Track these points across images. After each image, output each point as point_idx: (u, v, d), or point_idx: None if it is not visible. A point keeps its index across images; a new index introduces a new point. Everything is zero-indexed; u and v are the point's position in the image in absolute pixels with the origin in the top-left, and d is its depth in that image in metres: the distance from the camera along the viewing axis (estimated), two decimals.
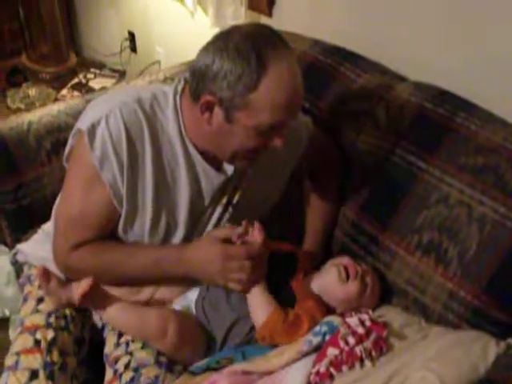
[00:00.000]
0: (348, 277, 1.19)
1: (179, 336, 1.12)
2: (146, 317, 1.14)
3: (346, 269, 1.20)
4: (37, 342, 1.12)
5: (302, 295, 1.17)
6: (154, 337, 1.13)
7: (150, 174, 1.12)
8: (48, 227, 1.35)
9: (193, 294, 1.21)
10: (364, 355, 1.01)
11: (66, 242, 1.16)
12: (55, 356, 1.10)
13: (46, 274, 1.15)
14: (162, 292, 1.22)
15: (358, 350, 1.01)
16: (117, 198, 1.11)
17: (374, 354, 1.01)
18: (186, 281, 1.20)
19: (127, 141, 1.08)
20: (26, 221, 1.49)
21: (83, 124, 1.09)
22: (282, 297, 1.15)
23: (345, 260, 1.22)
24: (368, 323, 1.05)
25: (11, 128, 1.49)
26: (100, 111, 1.09)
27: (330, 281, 1.20)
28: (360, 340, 1.02)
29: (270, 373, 1.05)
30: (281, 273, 1.20)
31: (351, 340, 1.02)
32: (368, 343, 1.02)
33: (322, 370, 1.00)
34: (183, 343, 1.13)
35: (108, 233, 1.17)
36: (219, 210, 1.21)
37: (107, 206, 1.12)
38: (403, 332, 1.09)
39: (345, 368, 1.00)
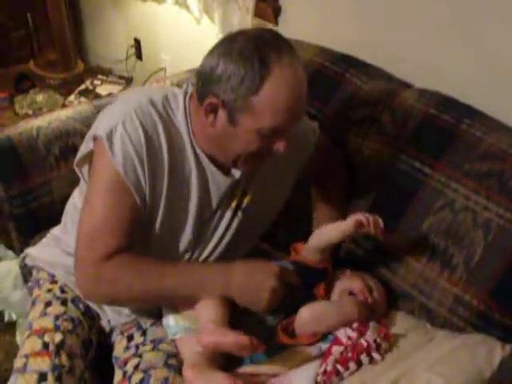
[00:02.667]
0: None
1: None
2: None
3: None
4: (45, 345, 1.11)
5: None
6: None
7: (165, 173, 1.11)
8: (57, 231, 1.36)
9: None
10: (371, 341, 1.02)
11: (94, 253, 1.08)
12: (63, 359, 1.10)
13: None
14: None
15: (362, 341, 1.02)
16: (140, 197, 1.09)
17: (379, 340, 1.03)
18: None
19: (146, 140, 1.08)
20: (33, 225, 1.51)
21: (101, 131, 1.08)
22: (301, 300, 1.13)
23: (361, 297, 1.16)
24: None
25: (20, 133, 1.49)
26: (115, 117, 1.09)
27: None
28: (362, 332, 1.03)
29: (277, 375, 1.05)
30: (305, 277, 1.16)
31: (353, 334, 1.03)
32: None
33: (329, 368, 1.00)
34: None
35: (134, 240, 1.12)
36: (228, 214, 1.21)
37: (132, 210, 1.09)
38: (408, 336, 1.10)
39: (352, 365, 1.01)
